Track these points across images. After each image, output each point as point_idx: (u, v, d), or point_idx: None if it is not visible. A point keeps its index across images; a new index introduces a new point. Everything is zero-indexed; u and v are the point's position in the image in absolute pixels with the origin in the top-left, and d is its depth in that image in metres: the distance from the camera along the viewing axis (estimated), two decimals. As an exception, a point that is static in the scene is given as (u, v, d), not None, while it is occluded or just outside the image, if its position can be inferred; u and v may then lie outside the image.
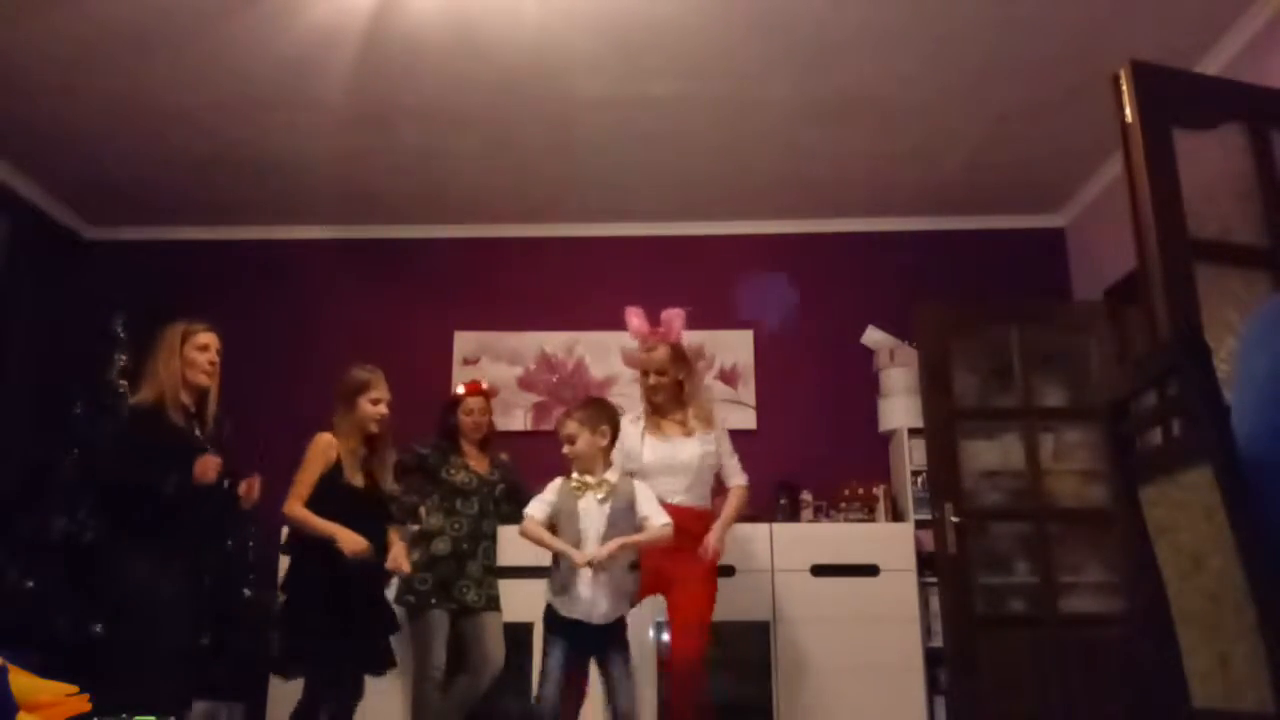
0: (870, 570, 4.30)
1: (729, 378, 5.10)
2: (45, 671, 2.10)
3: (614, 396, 5.03)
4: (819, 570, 4.33)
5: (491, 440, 4.24)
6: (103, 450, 3.78)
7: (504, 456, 4.29)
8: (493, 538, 4.07)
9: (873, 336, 5.00)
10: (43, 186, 4.91)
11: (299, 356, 5.17)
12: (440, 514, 3.98)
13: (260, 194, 4.99)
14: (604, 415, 3.23)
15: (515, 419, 5.05)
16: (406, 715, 3.93)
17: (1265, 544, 1.47)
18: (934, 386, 4.38)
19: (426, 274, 5.30)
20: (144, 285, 4.99)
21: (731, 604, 3.83)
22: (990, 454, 4.45)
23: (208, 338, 3.42)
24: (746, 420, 4.98)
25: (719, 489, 3.67)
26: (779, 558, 4.35)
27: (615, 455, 3.48)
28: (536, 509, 3.17)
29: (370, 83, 3.97)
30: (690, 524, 3.42)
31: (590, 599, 3.09)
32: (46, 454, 4.35)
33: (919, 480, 4.55)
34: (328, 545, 3.35)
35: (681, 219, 5.26)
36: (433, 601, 3.84)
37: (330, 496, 3.44)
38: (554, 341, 5.18)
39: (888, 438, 4.91)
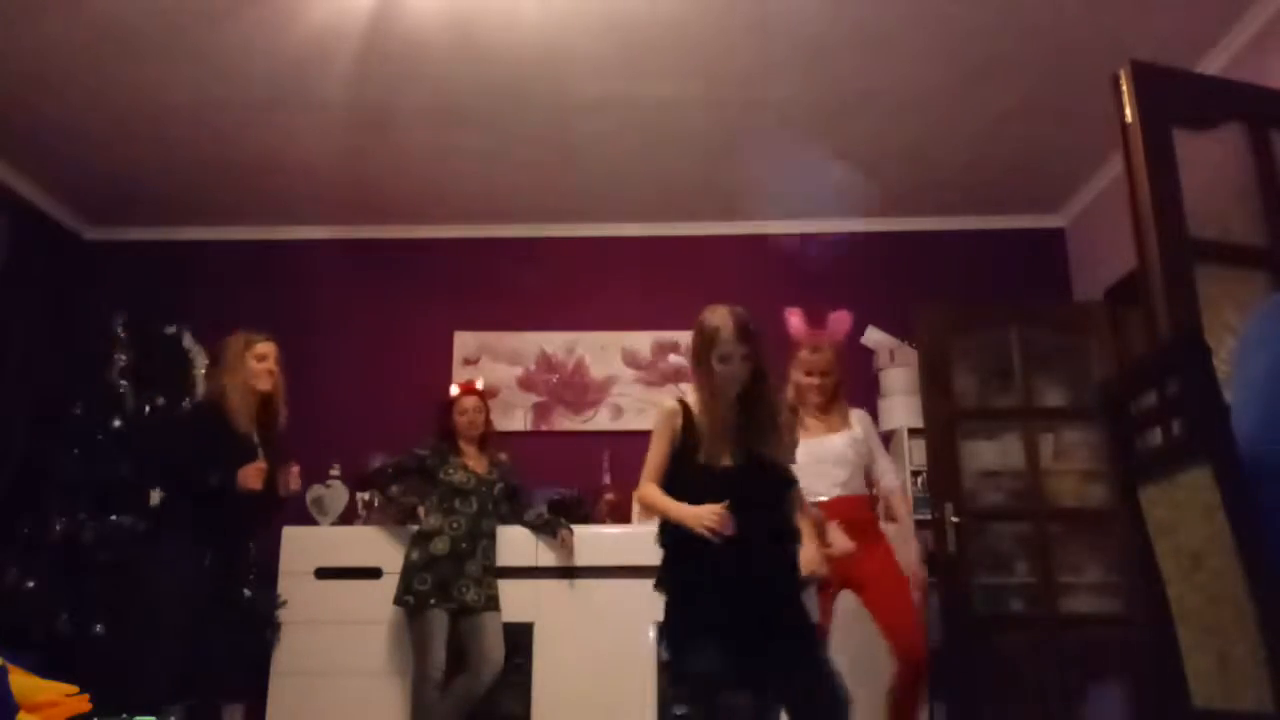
0: (870, 570, 4.29)
1: (729, 378, 5.09)
2: (45, 671, 2.10)
3: (614, 397, 5.05)
4: (819, 570, 4.32)
5: (490, 440, 4.25)
6: (156, 441, 4.07)
7: (503, 457, 4.30)
8: (491, 537, 4.07)
9: (873, 336, 5.00)
10: (43, 186, 4.91)
11: (299, 357, 5.15)
12: (439, 514, 3.99)
13: (260, 194, 4.99)
14: None
15: (515, 419, 5.04)
16: (406, 715, 3.93)
17: (1265, 544, 1.47)
18: (934, 386, 4.38)
19: (426, 274, 5.30)
20: (144, 285, 4.99)
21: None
22: (990, 454, 4.44)
23: (266, 348, 3.70)
24: (746, 420, 4.97)
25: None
26: (779, 558, 4.34)
27: None
28: None
29: (370, 83, 3.97)
30: (859, 513, 3.42)
31: None
32: (46, 454, 4.35)
33: (919, 480, 4.55)
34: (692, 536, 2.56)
35: (681, 219, 5.26)
36: (432, 601, 3.85)
37: (680, 479, 2.69)
38: (554, 341, 5.18)
39: (888, 437, 4.90)
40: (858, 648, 3.51)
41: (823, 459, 3.43)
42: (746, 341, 2.67)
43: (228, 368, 3.65)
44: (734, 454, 2.66)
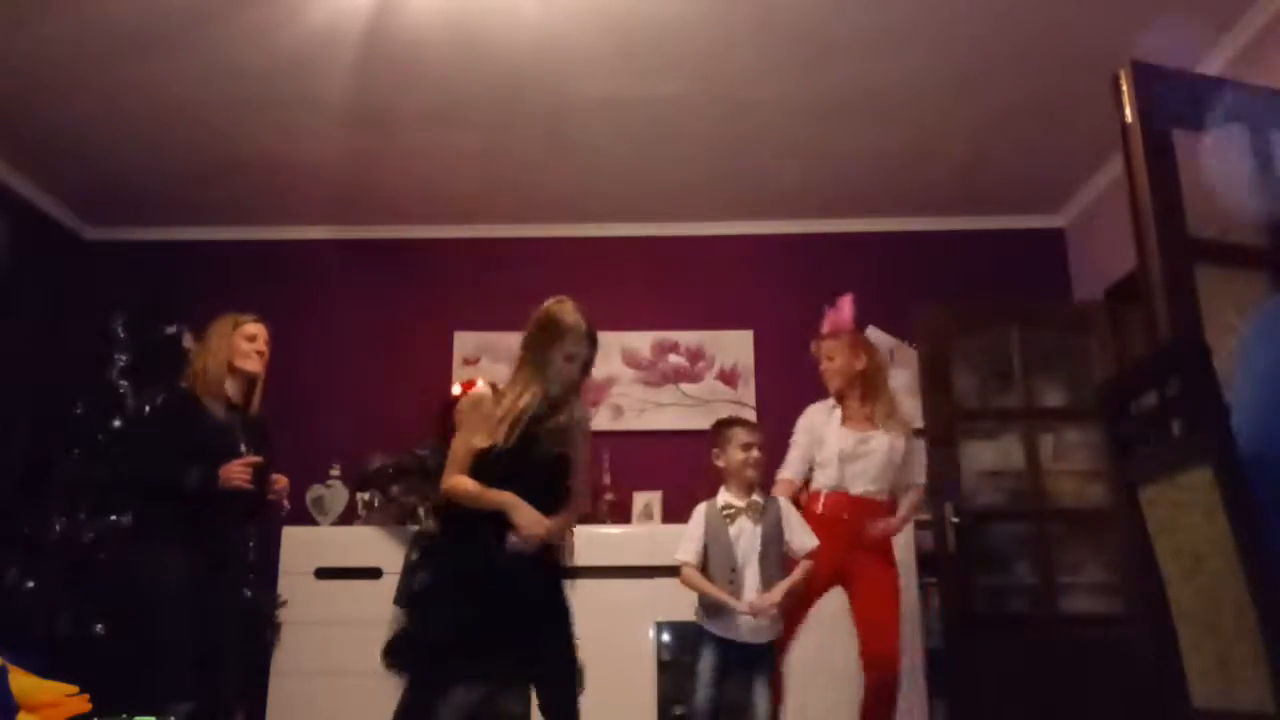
0: (870, 570, 4.29)
1: (729, 378, 5.10)
2: (45, 671, 2.10)
3: (614, 397, 5.05)
4: (819, 570, 4.31)
5: (491, 440, 4.25)
6: (129, 440, 3.82)
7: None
8: (493, 538, 4.07)
9: (873, 336, 4.98)
10: (43, 186, 4.91)
11: (299, 357, 5.16)
12: (440, 514, 3.98)
13: (260, 194, 4.98)
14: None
15: (515, 419, 5.04)
16: (406, 715, 3.93)
17: (1265, 544, 1.47)
18: (934, 387, 4.38)
19: (426, 274, 5.29)
20: (144, 285, 4.98)
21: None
22: (990, 454, 4.44)
23: (256, 328, 3.41)
24: (746, 420, 4.97)
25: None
26: (779, 558, 4.34)
27: (801, 440, 3.53)
28: (689, 552, 3.04)
29: (370, 83, 3.96)
30: (873, 514, 3.44)
31: (748, 624, 2.99)
32: (46, 454, 4.35)
33: (919, 480, 4.55)
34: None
35: (681, 219, 5.25)
36: (433, 601, 3.84)
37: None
38: (554, 341, 5.16)
39: (888, 438, 4.91)
40: (845, 650, 3.52)
41: (857, 454, 3.45)
42: (592, 347, 2.73)
43: (209, 347, 3.33)
44: (516, 440, 2.64)
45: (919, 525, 4.41)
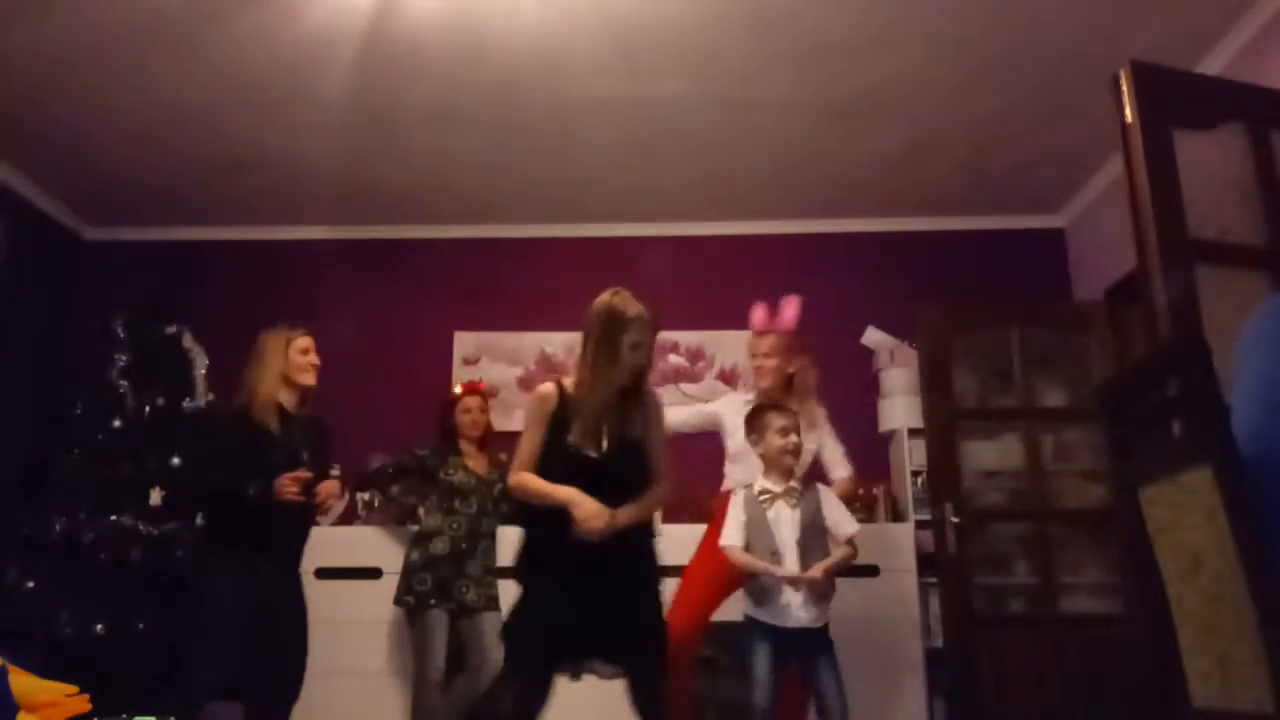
0: (870, 570, 4.28)
1: (729, 378, 5.10)
2: (45, 671, 2.10)
3: (614, 396, 5.04)
4: (819, 570, 4.31)
5: (490, 440, 4.25)
6: (190, 454, 3.95)
7: (503, 457, 4.29)
8: (492, 537, 4.07)
9: (873, 336, 5.00)
10: (43, 186, 4.91)
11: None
12: (439, 514, 3.99)
13: (260, 194, 4.99)
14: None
15: (515, 419, 5.02)
16: (406, 716, 3.93)
17: (1265, 544, 1.47)
18: (934, 386, 4.38)
19: (426, 274, 5.30)
20: (144, 285, 4.98)
21: (732, 606, 3.83)
22: (990, 454, 4.44)
23: (307, 341, 3.48)
24: (746, 420, 4.97)
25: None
26: (779, 558, 4.33)
27: (706, 409, 3.72)
28: (733, 535, 3.08)
29: (371, 83, 3.97)
30: None
31: (797, 604, 3.01)
32: (46, 454, 4.35)
33: (919, 480, 4.55)
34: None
35: (681, 219, 5.26)
36: (432, 602, 3.85)
37: (548, 463, 2.79)
38: (554, 341, 5.18)
39: (888, 438, 4.91)
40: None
41: (751, 455, 3.40)
42: (654, 334, 2.79)
43: (265, 364, 3.39)
44: (607, 441, 2.73)
45: (919, 525, 4.42)
